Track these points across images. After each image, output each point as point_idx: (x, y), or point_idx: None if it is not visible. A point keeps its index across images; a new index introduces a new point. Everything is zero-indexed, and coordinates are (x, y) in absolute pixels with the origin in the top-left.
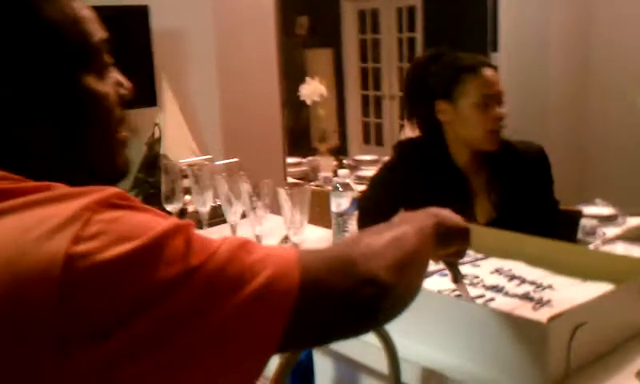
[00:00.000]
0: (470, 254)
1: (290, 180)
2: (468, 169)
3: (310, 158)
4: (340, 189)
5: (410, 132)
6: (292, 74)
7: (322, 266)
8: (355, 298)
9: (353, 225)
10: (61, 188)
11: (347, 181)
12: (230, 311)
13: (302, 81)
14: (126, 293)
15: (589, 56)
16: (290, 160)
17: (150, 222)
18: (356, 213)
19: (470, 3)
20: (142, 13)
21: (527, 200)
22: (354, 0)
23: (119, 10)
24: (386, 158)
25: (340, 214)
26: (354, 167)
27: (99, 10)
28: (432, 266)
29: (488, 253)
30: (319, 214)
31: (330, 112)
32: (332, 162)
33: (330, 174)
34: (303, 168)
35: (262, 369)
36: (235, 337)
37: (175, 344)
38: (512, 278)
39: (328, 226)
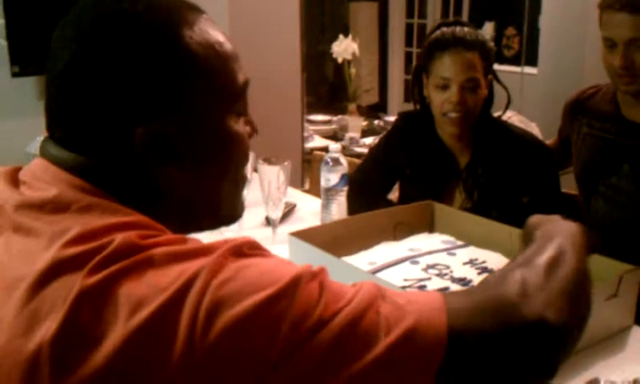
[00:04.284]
0: (450, 240)
1: (318, 138)
2: (454, 147)
3: (339, 116)
4: (330, 163)
5: None
6: (334, 28)
7: (474, 310)
8: (524, 348)
9: (341, 201)
10: (196, 242)
11: (337, 156)
12: (360, 371)
13: (346, 35)
14: (256, 350)
15: None
16: (320, 118)
17: (281, 269)
18: (345, 188)
19: None
20: None
21: (510, 190)
22: None
23: None
24: None
25: (328, 190)
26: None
27: None
28: (401, 252)
29: (468, 241)
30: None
31: (370, 69)
32: (361, 122)
33: (357, 135)
34: (333, 126)
35: None
36: None
37: None
38: (483, 271)
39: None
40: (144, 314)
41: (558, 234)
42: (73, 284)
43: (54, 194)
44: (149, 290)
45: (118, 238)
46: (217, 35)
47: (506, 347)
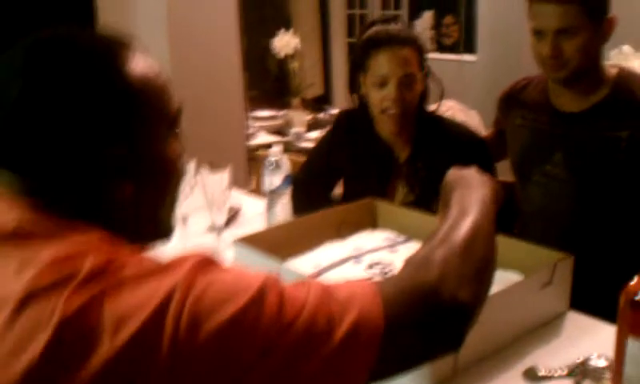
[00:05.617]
0: (391, 237)
1: (264, 135)
2: (393, 143)
3: (284, 111)
4: (272, 166)
5: None
6: (276, 21)
7: (403, 299)
8: (442, 328)
9: (285, 202)
10: (153, 260)
11: (278, 158)
12: (321, 362)
13: (286, 27)
14: (231, 359)
15: None
16: (265, 113)
17: (244, 280)
18: (288, 189)
19: None
20: None
21: None
22: None
23: None
24: None
25: (272, 192)
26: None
27: None
28: (345, 252)
29: (410, 234)
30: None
31: (313, 61)
32: (305, 116)
33: (302, 130)
34: (278, 122)
35: None
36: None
37: None
38: None
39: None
40: (128, 330)
41: (473, 206)
42: (52, 308)
43: (13, 218)
44: (128, 308)
45: (88, 261)
46: (152, 67)
47: (428, 328)
